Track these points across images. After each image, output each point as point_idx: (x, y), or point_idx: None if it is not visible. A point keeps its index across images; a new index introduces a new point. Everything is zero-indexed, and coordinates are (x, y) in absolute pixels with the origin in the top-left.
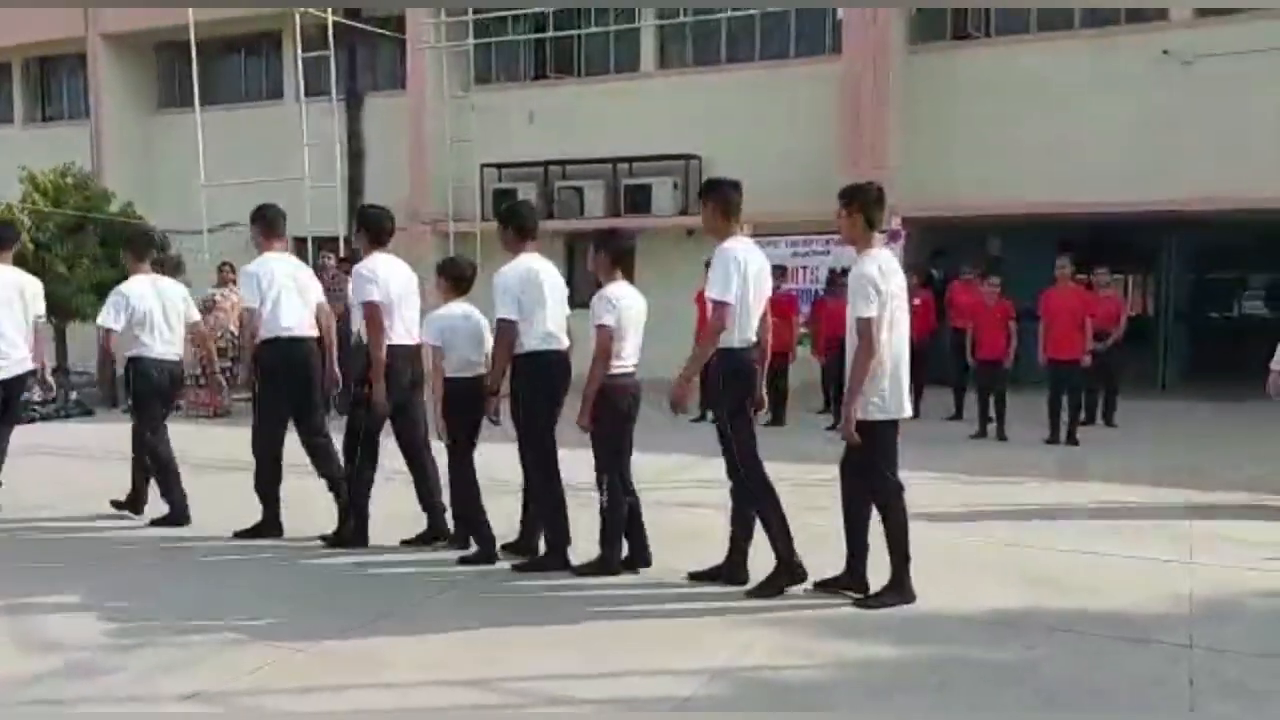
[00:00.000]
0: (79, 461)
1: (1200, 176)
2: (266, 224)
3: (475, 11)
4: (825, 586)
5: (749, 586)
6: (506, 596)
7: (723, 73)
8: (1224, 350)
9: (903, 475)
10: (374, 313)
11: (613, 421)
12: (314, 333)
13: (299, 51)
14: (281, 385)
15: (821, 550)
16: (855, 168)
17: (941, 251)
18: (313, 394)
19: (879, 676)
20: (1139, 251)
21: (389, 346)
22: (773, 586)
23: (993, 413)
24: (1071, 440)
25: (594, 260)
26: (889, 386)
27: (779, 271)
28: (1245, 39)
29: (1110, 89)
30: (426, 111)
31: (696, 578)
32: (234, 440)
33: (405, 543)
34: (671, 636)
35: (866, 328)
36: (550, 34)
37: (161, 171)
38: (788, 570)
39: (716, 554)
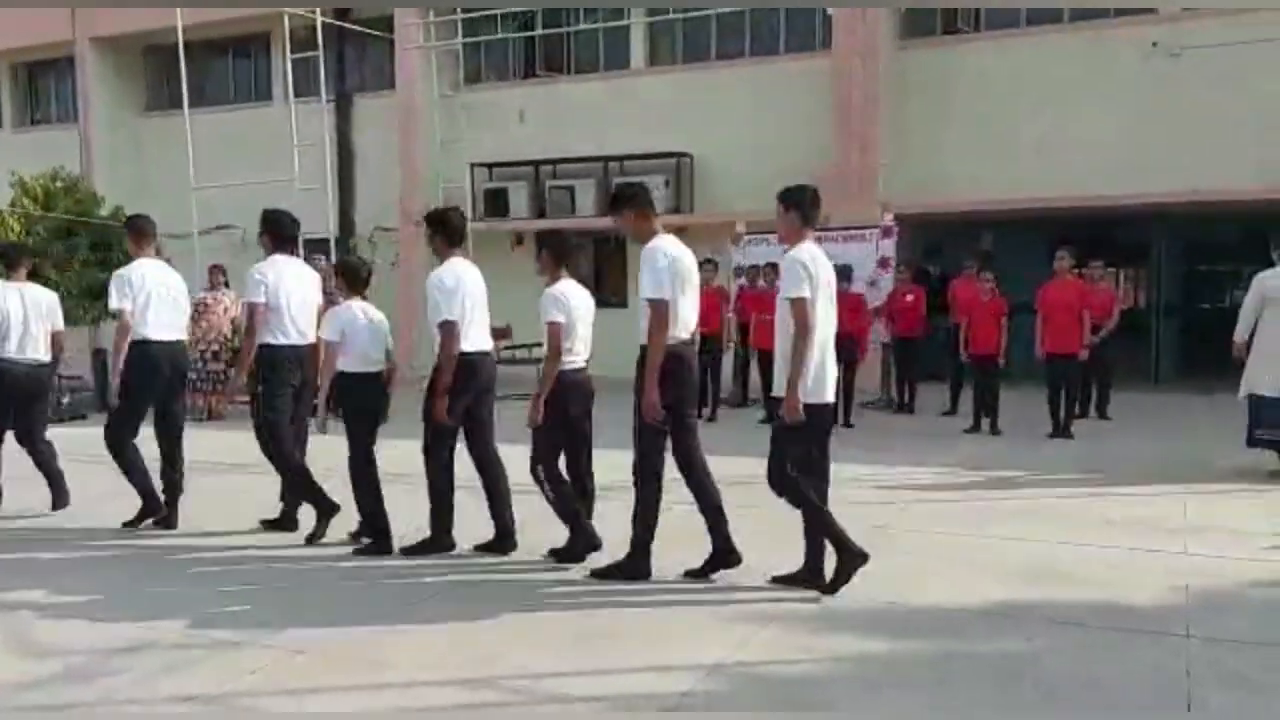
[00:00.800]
0: (72, 464)
1: (1190, 169)
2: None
3: (464, 10)
4: (782, 580)
5: (595, 567)
6: (503, 595)
7: (713, 69)
8: (1216, 342)
9: (900, 470)
10: (254, 313)
11: (557, 415)
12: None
13: (288, 53)
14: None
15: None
16: (846, 163)
17: (936, 249)
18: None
19: (876, 672)
20: (1130, 245)
21: (281, 346)
22: (622, 572)
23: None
24: (1066, 433)
25: (540, 260)
26: (812, 372)
27: (770, 268)
28: (1233, 32)
29: (1100, 83)
30: (416, 111)
31: (694, 575)
32: (229, 442)
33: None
34: (668, 633)
35: (800, 307)
36: (539, 32)
37: (151, 174)
38: (639, 557)
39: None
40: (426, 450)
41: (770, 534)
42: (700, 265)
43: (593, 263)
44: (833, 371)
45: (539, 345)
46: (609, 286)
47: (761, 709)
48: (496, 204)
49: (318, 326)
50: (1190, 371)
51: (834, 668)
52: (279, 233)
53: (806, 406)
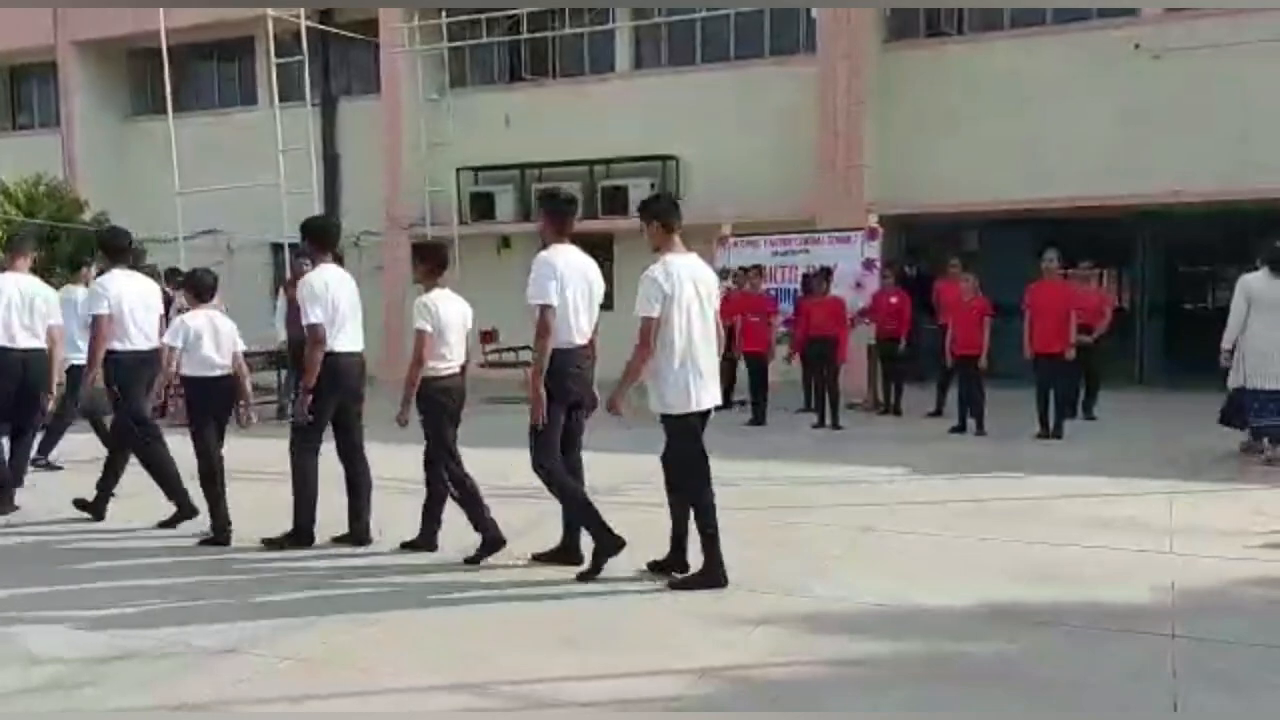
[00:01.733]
0: (57, 471)
1: (1172, 169)
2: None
3: (449, 14)
4: (654, 568)
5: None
6: (491, 599)
7: (698, 73)
8: (1200, 342)
9: (886, 471)
10: (100, 325)
11: (439, 417)
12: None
13: (272, 57)
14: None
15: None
16: (831, 167)
17: (915, 249)
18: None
19: (866, 674)
20: (1114, 245)
21: (127, 352)
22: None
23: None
24: (1056, 434)
25: (416, 270)
26: (681, 381)
27: (756, 271)
28: (1213, 34)
29: (1083, 84)
30: (401, 115)
31: (539, 559)
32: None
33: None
34: (659, 637)
35: (645, 326)
36: (524, 36)
37: (135, 179)
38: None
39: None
40: (293, 447)
41: (762, 535)
42: None
43: None
44: (709, 380)
45: (526, 348)
46: None
47: (752, 712)
48: (483, 207)
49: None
50: (1174, 371)
51: (823, 670)
52: (114, 248)
53: (674, 416)
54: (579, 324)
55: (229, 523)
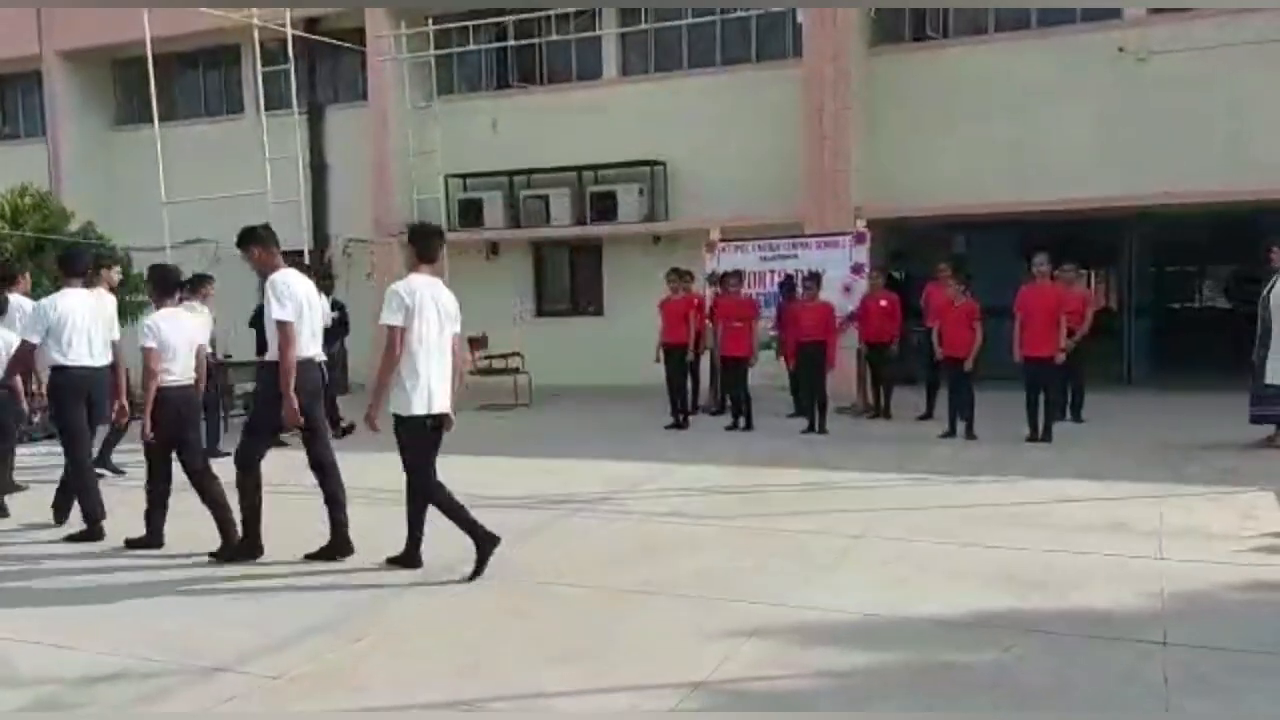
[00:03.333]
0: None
1: (1158, 171)
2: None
3: (435, 22)
4: (391, 561)
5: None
6: (478, 613)
7: (685, 78)
8: (1187, 342)
9: (876, 476)
10: (25, 351)
11: (165, 426)
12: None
13: (258, 65)
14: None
15: (794, 562)
16: (818, 171)
17: (900, 253)
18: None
19: (858, 684)
20: (1102, 246)
21: (67, 368)
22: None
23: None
24: (1047, 437)
25: (150, 292)
26: (416, 387)
27: (735, 276)
28: (1196, 36)
29: (1068, 87)
30: (389, 123)
31: (311, 557)
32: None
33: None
34: (652, 649)
35: (390, 334)
36: (511, 43)
37: (121, 189)
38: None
39: (700, 563)
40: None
41: (753, 544)
42: (668, 275)
43: (569, 271)
44: (439, 388)
45: (515, 354)
46: (585, 296)
47: None
48: (471, 214)
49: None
50: (1163, 372)
51: (815, 681)
52: (67, 269)
53: (407, 418)
54: (429, 343)
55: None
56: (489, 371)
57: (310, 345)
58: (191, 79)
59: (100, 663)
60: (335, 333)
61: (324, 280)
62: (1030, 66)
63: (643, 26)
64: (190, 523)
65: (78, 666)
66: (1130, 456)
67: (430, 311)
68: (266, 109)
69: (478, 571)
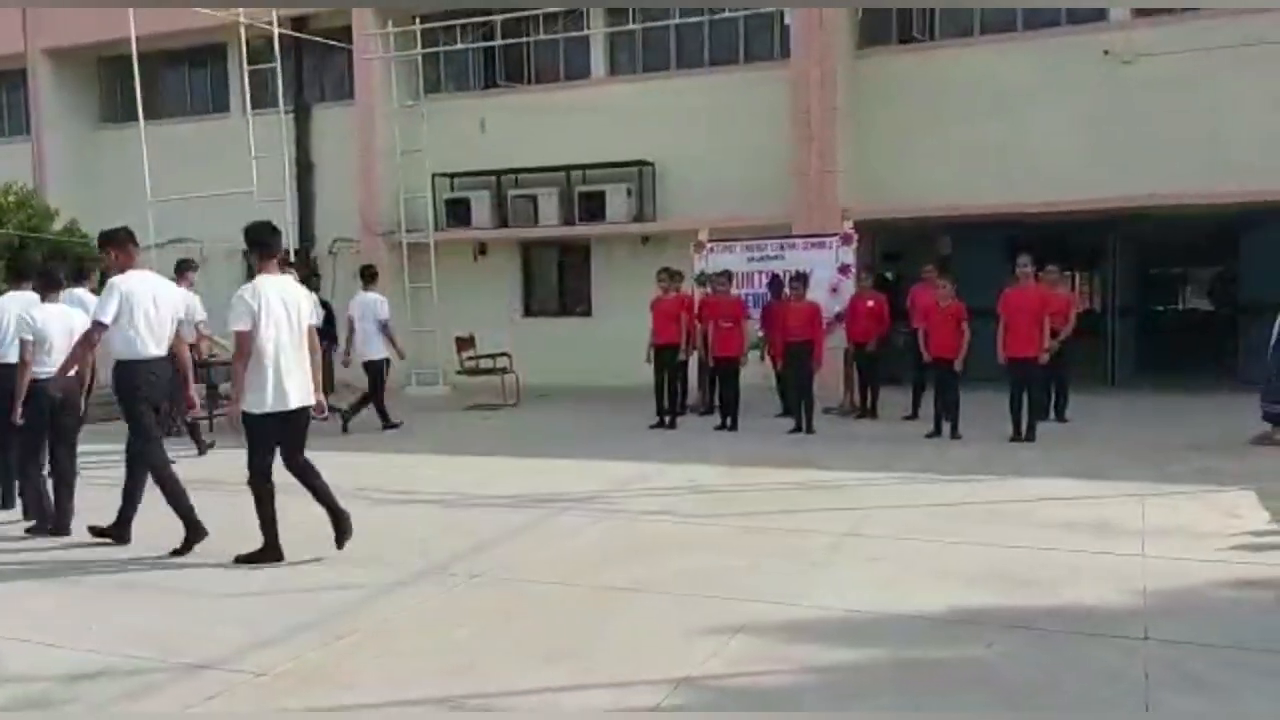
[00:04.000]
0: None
1: (1143, 173)
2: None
3: (423, 20)
4: (241, 559)
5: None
6: (465, 612)
7: (673, 79)
8: (1170, 343)
9: (862, 475)
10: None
11: (36, 416)
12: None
13: (244, 63)
14: None
15: (781, 560)
16: (805, 172)
17: (893, 255)
18: None
19: (844, 680)
20: (1087, 248)
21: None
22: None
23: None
24: (1030, 437)
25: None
26: (265, 385)
27: (724, 277)
28: (1181, 39)
29: (1054, 90)
30: (376, 122)
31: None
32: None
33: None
34: (638, 646)
35: (238, 339)
36: (499, 42)
37: (106, 187)
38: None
39: (688, 562)
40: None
41: (740, 542)
42: (660, 274)
43: (558, 272)
44: (292, 385)
45: (503, 355)
46: (573, 295)
47: None
48: (458, 214)
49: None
50: (1146, 372)
51: (801, 678)
52: (14, 272)
53: (255, 415)
54: (280, 342)
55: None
56: (477, 371)
57: (151, 346)
58: (177, 77)
59: (86, 660)
60: (321, 333)
61: (311, 279)
62: (1016, 69)
63: (630, 26)
64: (175, 520)
65: (63, 664)
66: (1114, 456)
67: (279, 311)
68: (253, 107)
69: (245, 558)
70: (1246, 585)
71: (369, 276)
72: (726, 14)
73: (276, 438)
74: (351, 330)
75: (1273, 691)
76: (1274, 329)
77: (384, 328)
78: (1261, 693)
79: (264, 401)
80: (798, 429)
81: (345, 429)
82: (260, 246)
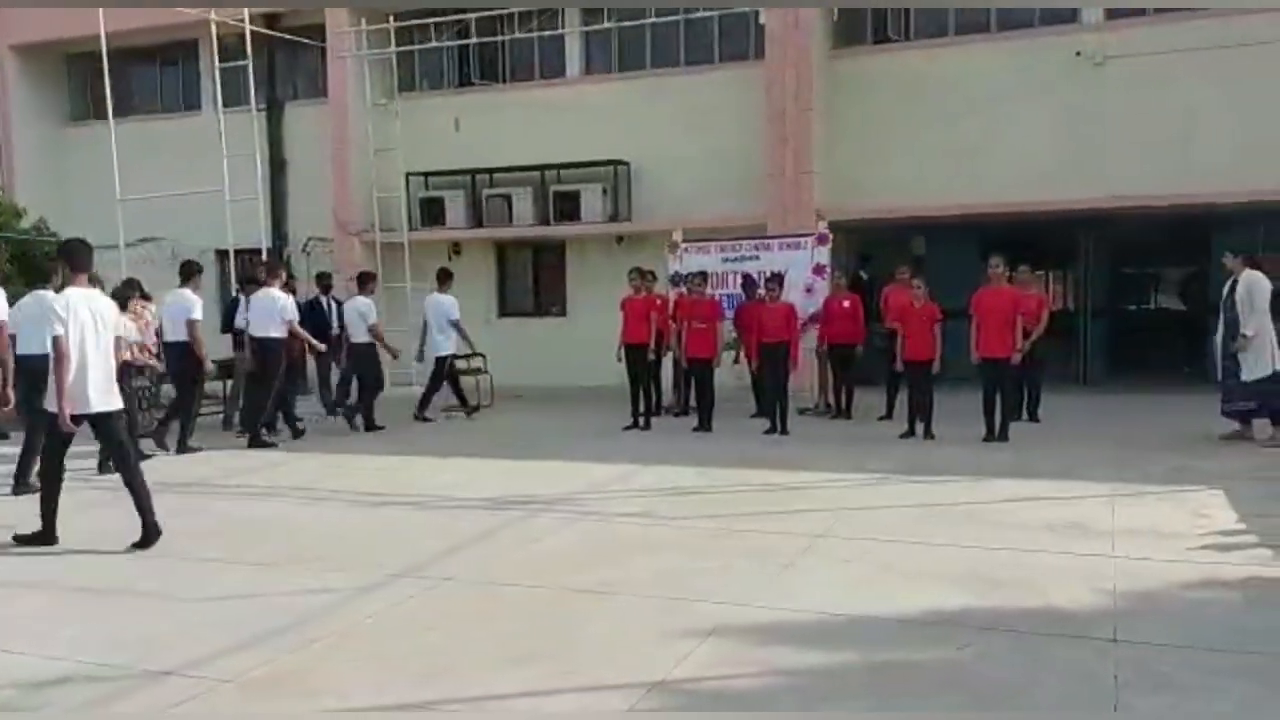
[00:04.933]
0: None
1: (1115, 174)
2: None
3: (397, 18)
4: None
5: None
6: (438, 615)
7: (648, 79)
8: (1142, 343)
9: (836, 477)
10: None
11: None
12: None
13: (216, 61)
14: None
15: (754, 562)
16: (780, 173)
17: (868, 256)
18: None
19: (816, 683)
20: (1059, 248)
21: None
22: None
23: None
24: (1003, 436)
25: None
26: (73, 389)
27: (700, 277)
28: (1152, 41)
29: (1026, 90)
30: (349, 120)
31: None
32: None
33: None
34: (612, 650)
35: (55, 345)
36: (473, 40)
37: (75, 186)
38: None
39: (662, 563)
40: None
41: (713, 544)
42: (631, 273)
43: (532, 272)
44: (96, 388)
45: (478, 355)
46: (549, 296)
47: None
48: (433, 213)
49: None
50: (1118, 372)
51: (773, 681)
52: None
53: (72, 417)
54: (86, 349)
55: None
56: (452, 372)
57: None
58: (148, 74)
59: (50, 667)
60: (318, 335)
61: (288, 280)
62: (990, 69)
63: (606, 25)
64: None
65: (27, 671)
66: (1085, 456)
67: (86, 320)
68: (225, 105)
69: (23, 539)
70: (1215, 585)
71: (442, 278)
72: (702, 13)
73: (69, 435)
74: (425, 328)
75: (1239, 691)
76: (1217, 331)
77: (455, 326)
78: (1228, 693)
79: (73, 403)
80: (772, 430)
81: (353, 426)
82: (71, 260)
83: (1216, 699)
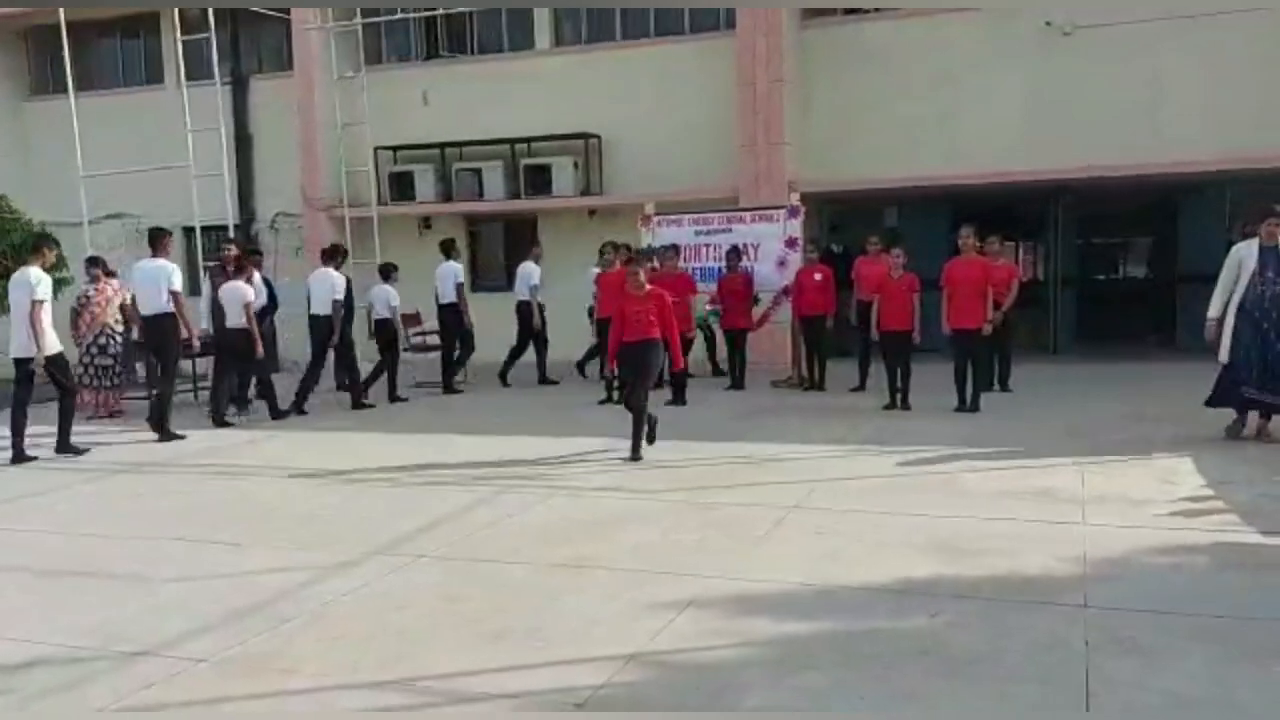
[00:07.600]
0: None
1: (1084, 144)
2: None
3: None
4: None
5: None
6: (411, 592)
7: (618, 50)
8: (1110, 313)
9: (808, 448)
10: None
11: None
12: None
13: (178, 33)
14: None
15: (728, 534)
16: (752, 144)
17: (837, 226)
18: None
19: (790, 653)
20: (1029, 219)
21: None
22: None
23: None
24: (975, 407)
25: None
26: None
27: (672, 250)
28: (1120, 11)
29: (996, 61)
30: (315, 94)
31: None
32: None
33: None
34: (588, 625)
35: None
36: (440, 11)
37: (37, 162)
38: None
39: (636, 537)
40: None
41: (687, 517)
42: (603, 247)
43: (504, 246)
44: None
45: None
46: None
47: (676, 698)
48: (402, 187)
49: None
50: (1087, 341)
51: (748, 652)
52: None
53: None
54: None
55: None
56: (424, 348)
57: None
58: (109, 47)
59: (19, 650)
60: (264, 310)
61: (253, 255)
62: (960, 39)
63: None
64: (129, 504)
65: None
66: (1055, 425)
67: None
68: (188, 79)
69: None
70: (1182, 550)
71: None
72: None
73: None
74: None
75: (1205, 654)
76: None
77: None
78: (1194, 655)
79: None
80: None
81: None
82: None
83: (1187, 661)
